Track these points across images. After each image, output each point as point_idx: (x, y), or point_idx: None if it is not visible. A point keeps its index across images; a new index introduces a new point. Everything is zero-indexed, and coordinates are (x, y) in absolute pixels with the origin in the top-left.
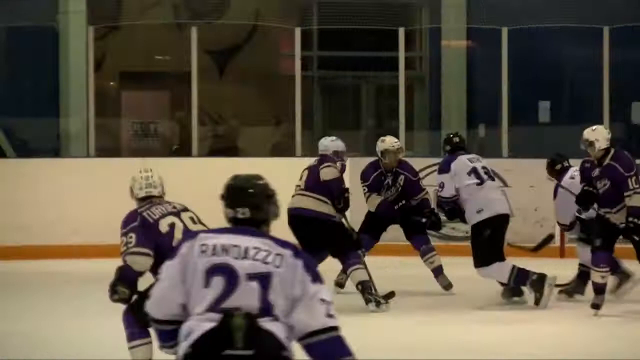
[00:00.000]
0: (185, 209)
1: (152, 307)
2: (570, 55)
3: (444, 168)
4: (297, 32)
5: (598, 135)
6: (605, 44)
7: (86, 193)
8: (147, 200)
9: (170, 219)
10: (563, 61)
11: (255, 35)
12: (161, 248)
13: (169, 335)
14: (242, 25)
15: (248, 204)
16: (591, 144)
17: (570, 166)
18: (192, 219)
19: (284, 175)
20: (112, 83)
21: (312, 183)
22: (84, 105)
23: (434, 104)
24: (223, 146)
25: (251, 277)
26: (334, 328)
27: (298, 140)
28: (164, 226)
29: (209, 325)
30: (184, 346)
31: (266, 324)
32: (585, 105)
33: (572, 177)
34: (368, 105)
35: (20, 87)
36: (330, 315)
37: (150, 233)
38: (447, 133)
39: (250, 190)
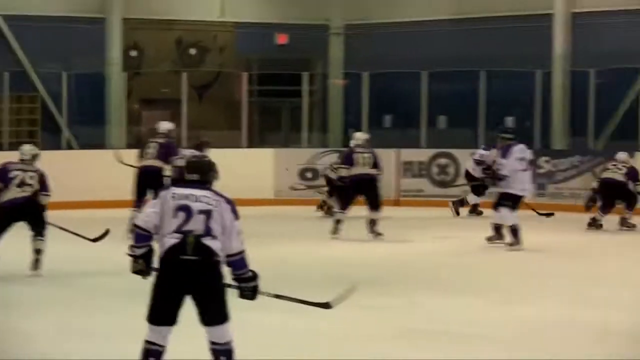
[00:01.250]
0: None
1: (140, 220)
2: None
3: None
4: (245, 75)
5: None
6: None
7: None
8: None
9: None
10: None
11: (220, 76)
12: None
13: (140, 238)
14: (213, 71)
15: (198, 171)
16: None
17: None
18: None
19: (233, 159)
20: (136, 106)
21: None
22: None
23: (323, 117)
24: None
25: (200, 212)
26: (243, 251)
27: (244, 137)
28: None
29: (174, 241)
30: (160, 252)
31: (207, 241)
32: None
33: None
34: (285, 118)
35: (85, 107)
36: (242, 242)
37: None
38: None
39: (199, 163)
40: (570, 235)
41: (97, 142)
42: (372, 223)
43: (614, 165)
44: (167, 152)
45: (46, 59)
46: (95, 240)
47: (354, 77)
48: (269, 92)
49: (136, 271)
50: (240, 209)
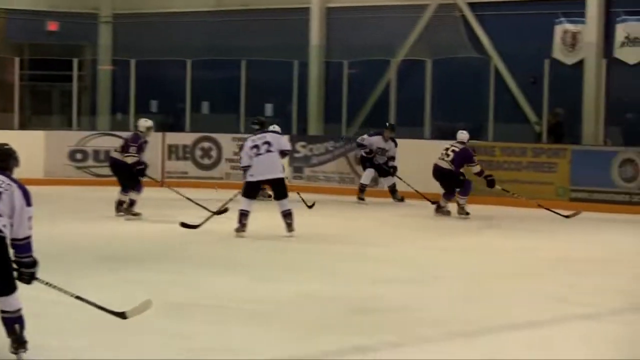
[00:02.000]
0: None
1: None
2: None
3: None
4: (17, 60)
5: None
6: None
7: None
8: None
9: None
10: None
11: None
12: None
13: None
14: None
15: None
16: None
17: None
18: None
19: (4, 141)
20: None
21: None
22: None
23: (92, 101)
24: None
25: None
26: (29, 237)
27: (16, 120)
28: None
29: None
30: None
31: None
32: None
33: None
34: (56, 102)
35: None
36: (30, 228)
37: None
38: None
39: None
40: (331, 217)
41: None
42: (119, 204)
43: (445, 150)
44: None
45: None
46: None
47: (122, 64)
48: (40, 76)
49: None
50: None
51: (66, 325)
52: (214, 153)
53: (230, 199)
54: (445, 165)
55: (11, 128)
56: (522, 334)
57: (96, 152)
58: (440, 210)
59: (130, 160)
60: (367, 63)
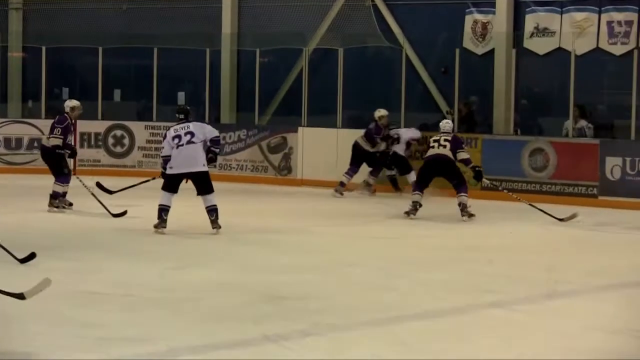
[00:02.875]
0: None
1: None
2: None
3: None
4: None
5: None
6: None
7: None
8: None
9: None
10: None
11: None
12: None
13: None
14: None
15: None
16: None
17: None
18: None
19: None
20: None
21: None
22: None
23: (2, 88)
24: None
25: None
26: None
27: None
28: None
29: None
30: None
31: None
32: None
33: None
34: None
35: None
36: None
37: None
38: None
39: None
40: (244, 206)
41: None
42: (54, 196)
43: (436, 142)
44: None
45: None
46: None
47: (33, 51)
48: None
49: None
50: None
51: None
52: (126, 141)
53: (141, 182)
54: (449, 154)
55: None
56: (431, 322)
57: (7, 140)
58: (465, 212)
59: (53, 141)
60: (280, 52)
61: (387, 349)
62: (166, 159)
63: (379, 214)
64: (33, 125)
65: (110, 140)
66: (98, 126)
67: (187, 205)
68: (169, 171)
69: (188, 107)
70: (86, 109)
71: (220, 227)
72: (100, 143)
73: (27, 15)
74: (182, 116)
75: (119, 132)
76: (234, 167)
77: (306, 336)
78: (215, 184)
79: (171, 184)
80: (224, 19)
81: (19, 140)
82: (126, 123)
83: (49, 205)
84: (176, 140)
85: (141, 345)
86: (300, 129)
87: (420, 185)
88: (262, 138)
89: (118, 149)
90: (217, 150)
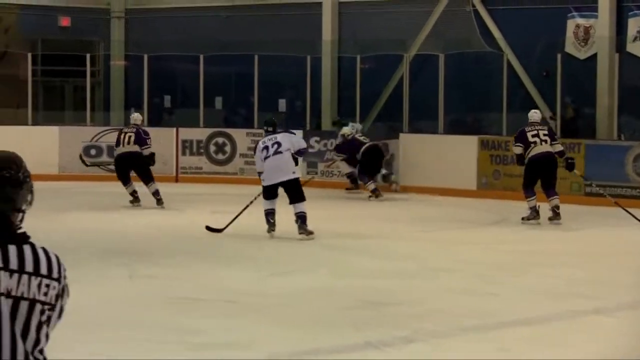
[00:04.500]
0: None
1: None
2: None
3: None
4: (29, 56)
5: None
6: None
7: None
8: None
9: None
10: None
11: (6, 56)
12: None
13: None
14: None
15: None
16: None
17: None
18: None
19: (18, 136)
20: None
21: None
22: None
23: (105, 97)
24: None
25: None
26: None
27: (30, 115)
28: None
29: None
30: None
31: None
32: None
33: None
34: (69, 97)
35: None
36: None
37: None
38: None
39: None
40: (343, 212)
41: None
42: (154, 194)
43: (536, 137)
44: None
45: None
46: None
47: (135, 59)
48: (53, 72)
49: None
50: None
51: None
52: (227, 148)
53: (251, 202)
54: (552, 151)
55: (25, 124)
56: (531, 328)
57: (110, 148)
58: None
59: (149, 150)
60: (380, 58)
61: (490, 356)
62: (260, 173)
63: (472, 220)
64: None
65: (212, 148)
66: (200, 133)
67: (285, 211)
68: (263, 183)
69: (275, 120)
70: (187, 116)
71: (310, 232)
72: (202, 150)
73: (129, 24)
74: (270, 128)
75: (220, 140)
76: (335, 174)
77: (409, 342)
78: (315, 190)
79: (269, 193)
80: (324, 26)
81: None
82: (228, 130)
83: (158, 204)
84: (264, 153)
85: (243, 351)
86: (401, 135)
87: (532, 189)
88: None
89: (220, 157)
90: (299, 158)
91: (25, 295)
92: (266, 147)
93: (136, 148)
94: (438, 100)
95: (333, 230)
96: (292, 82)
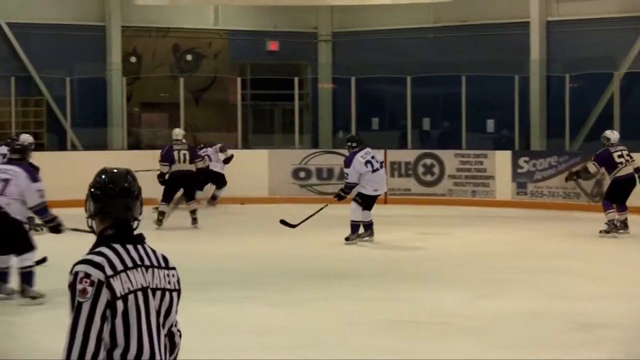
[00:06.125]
0: None
1: None
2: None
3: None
4: (239, 80)
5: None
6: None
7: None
8: None
9: None
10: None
11: (215, 81)
12: None
13: None
14: (208, 76)
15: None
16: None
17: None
18: None
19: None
20: (136, 109)
21: None
22: (120, 121)
23: (314, 119)
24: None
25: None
26: (40, 203)
27: (239, 139)
28: None
29: None
30: None
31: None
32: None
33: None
34: (277, 121)
35: (87, 110)
36: (40, 197)
37: None
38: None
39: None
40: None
41: (99, 144)
42: (192, 213)
43: (622, 157)
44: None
45: (50, 64)
46: None
47: (342, 82)
48: (262, 96)
49: None
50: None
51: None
52: (436, 169)
53: (326, 205)
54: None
55: (235, 147)
56: None
57: (319, 170)
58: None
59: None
60: (589, 76)
61: None
62: (351, 186)
63: None
64: (344, 155)
65: (420, 169)
66: (408, 155)
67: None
68: (372, 192)
69: (357, 136)
70: (396, 138)
71: (372, 236)
72: (410, 172)
73: (336, 47)
74: (354, 144)
75: (428, 161)
76: (545, 194)
77: None
78: (526, 211)
79: (369, 204)
80: (532, 45)
81: (330, 171)
82: (436, 152)
83: (193, 224)
84: (369, 167)
85: None
86: None
87: (612, 204)
88: (573, 164)
89: (428, 178)
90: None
91: (160, 286)
92: (369, 162)
93: (191, 167)
94: None
95: (539, 251)
96: (500, 102)
